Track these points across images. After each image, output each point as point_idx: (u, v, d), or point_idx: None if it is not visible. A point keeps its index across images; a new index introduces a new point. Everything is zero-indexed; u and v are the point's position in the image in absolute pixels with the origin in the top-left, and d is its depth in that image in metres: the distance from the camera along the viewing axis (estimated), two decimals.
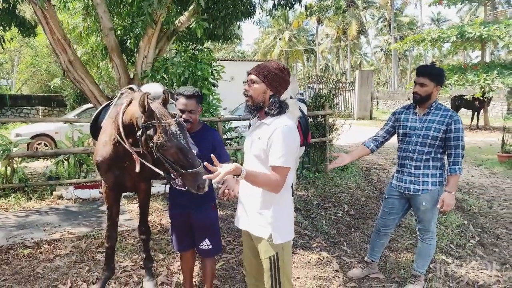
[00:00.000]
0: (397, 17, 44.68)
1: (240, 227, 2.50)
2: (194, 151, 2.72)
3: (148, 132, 2.39)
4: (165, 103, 2.50)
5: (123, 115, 2.64)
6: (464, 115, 21.04)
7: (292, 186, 4.04)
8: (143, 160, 2.65)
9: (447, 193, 3.10)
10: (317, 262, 4.08)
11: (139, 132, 2.46)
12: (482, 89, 15.77)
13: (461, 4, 16.30)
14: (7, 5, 6.62)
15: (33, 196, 6.09)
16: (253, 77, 2.28)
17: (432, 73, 3.13)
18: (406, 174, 3.31)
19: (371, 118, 23.77)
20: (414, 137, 3.23)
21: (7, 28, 6.99)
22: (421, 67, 3.25)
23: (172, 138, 2.34)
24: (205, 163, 2.10)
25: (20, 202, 5.84)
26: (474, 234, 4.86)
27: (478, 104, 17.32)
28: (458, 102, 18.09)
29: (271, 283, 2.32)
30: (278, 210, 2.30)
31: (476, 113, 18.00)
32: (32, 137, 9.64)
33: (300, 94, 21.40)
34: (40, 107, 20.93)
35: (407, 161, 3.30)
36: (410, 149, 3.27)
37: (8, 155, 6.08)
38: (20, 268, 3.77)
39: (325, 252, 4.31)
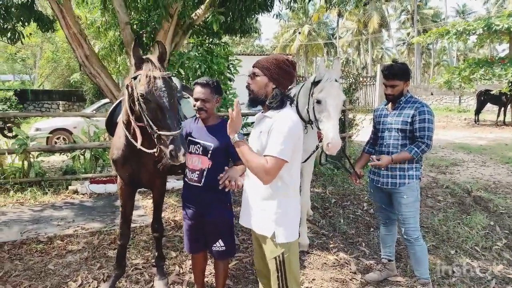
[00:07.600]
0: (421, 9, 43.66)
1: (242, 223, 2.39)
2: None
3: (135, 82, 2.29)
4: (161, 57, 2.42)
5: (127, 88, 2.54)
6: (490, 110, 20.44)
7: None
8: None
9: (387, 156, 3.17)
10: (334, 263, 3.94)
11: (127, 82, 2.37)
12: (510, 84, 15.21)
13: None
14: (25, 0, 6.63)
15: (49, 190, 6.11)
16: (255, 70, 2.22)
17: (399, 73, 3.19)
18: (383, 168, 3.31)
19: None
20: (387, 131, 3.31)
21: (26, 24, 6.99)
22: (387, 70, 3.22)
23: (154, 91, 2.23)
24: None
25: (36, 196, 5.86)
26: (501, 236, 4.63)
27: (505, 99, 16.81)
28: (484, 97, 17.61)
29: (278, 285, 2.20)
30: (283, 206, 2.17)
31: (503, 108, 17.47)
32: (51, 132, 9.77)
33: None
34: (60, 102, 21.39)
35: (383, 156, 3.29)
36: (384, 143, 3.31)
37: (25, 149, 6.11)
38: (32, 264, 3.74)
39: (342, 253, 4.16)
